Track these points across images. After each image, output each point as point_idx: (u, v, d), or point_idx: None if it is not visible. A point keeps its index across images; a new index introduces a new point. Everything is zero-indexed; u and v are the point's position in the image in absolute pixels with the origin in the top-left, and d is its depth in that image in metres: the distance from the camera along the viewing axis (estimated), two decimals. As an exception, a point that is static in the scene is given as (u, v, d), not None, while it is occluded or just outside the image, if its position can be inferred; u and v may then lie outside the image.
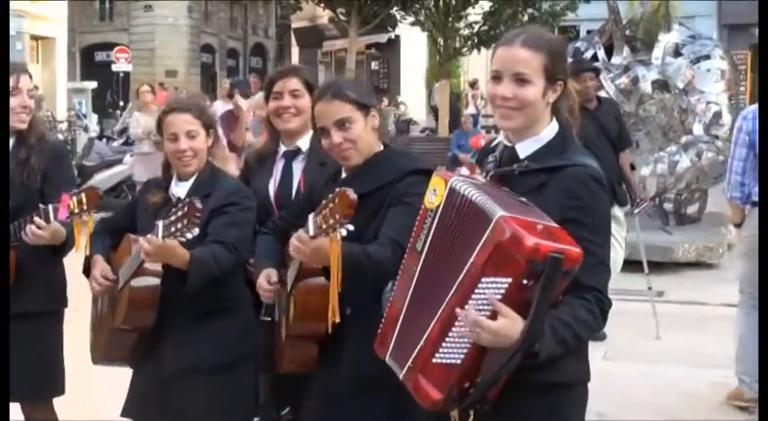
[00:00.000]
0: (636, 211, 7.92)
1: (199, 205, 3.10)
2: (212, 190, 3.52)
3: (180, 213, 3.11)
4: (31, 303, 3.73)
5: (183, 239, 3.14)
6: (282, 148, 3.88)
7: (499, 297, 2.31)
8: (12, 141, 3.77)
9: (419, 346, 2.49)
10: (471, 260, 2.36)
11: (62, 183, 3.70)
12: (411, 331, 2.56)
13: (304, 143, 3.81)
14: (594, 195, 2.52)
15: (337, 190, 2.71)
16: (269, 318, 3.34)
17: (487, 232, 2.33)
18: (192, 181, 3.58)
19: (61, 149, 3.96)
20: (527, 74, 2.55)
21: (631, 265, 9.57)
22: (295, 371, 3.27)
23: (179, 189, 3.59)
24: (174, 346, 3.48)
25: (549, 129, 2.63)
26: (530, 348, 2.31)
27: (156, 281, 3.38)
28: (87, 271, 3.63)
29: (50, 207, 3.45)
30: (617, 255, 7.17)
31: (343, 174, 3.24)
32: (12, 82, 3.70)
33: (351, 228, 2.72)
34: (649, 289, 7.39)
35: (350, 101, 3.16)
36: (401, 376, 2.56)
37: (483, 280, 2.34)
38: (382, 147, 3.25)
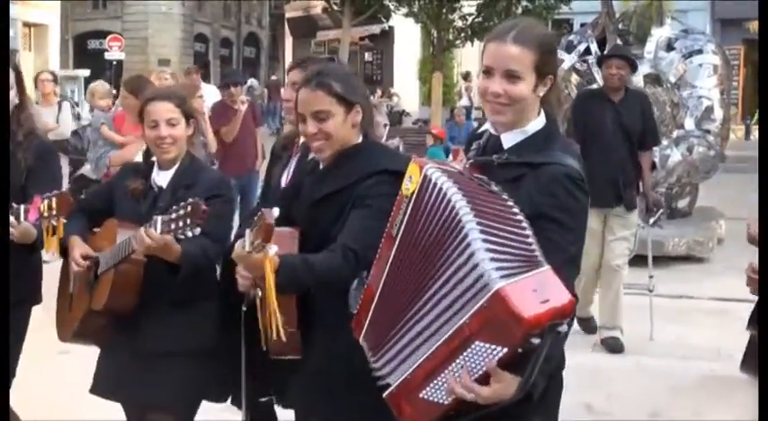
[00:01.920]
0: (651, 222, 7.38)
1: (204, 207, 3.12)
2: (194, 180, 3.56)
3: (182, 212, 3.14)
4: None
5: (182, 237, 3.17)
6: (302, 140, 3.85)
7: (494, 361, 2.30)
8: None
9: (404, 377, 2.51)
10: (465, 320, 2.34)
11: (44, 182, 3.65)
12: (382, 319, 2.60)
13: None
14: (570, 195, 2.54)
15: (260, 212, 2.70)
16: (245, 309, 3.36)
17: (483, 301, 2.30)
18: (173, 170, 3.61)
19: (48, 148, 3.89)
20: (518, 71, 2.57)
21: (622, 259, 9.62)
22: (285, 355, 3.28)
23: (160, 178, 3.62)
24: (153, 330, 3.53)
25: (536, 123, 2.66)
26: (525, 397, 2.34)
27: (139, 268, 3.44)
28: (64, 252, 3.64)
29: (22, 207, 3.44)
30: (622, 255, 7.01)
31: (321, 165, 3.23)
32: None
33: (275, 248, 2.71)
34: (650, 277, 7.40)
35: (333, 94, 3.09)
36: (384, 394, 2.59)
37: (477, 342, 2.33)
38: (360, 139, 3.20)
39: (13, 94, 3.76)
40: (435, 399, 2.44)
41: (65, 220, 3.39)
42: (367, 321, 2.69)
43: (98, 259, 3.54)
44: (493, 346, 2.30)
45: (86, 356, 3.88)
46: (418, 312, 2.49)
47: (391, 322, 2.57)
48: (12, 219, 3.46)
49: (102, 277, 3.50)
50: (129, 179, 3.68)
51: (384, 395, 2.59)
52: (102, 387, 3.70)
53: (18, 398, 3.94)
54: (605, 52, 6.80)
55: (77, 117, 19.15)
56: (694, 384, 5.91)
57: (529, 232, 2.40)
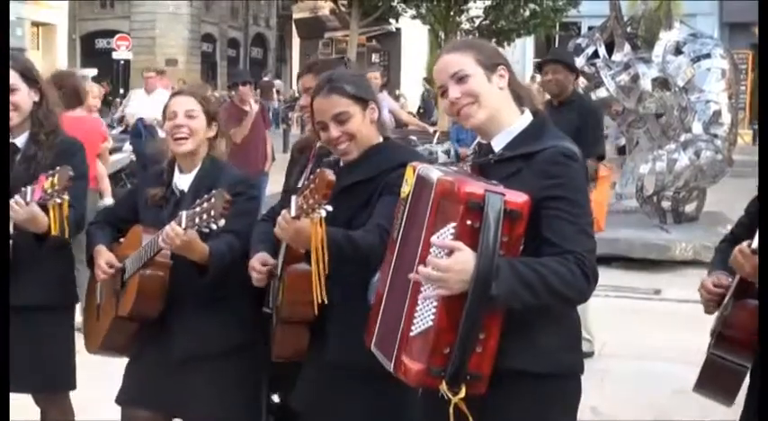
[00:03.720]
0: None
1: (228, 197, 3.11)
2: (216, 181, 3.51)
3: (206, 204, 3.12)
4: (31, 296, 3.68)
5: (207, 230, 3.15)
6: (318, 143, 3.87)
7: (450, 241, 2.40)
8: (24, 137, 3.73)
9: (400, 330, 2.54)
10: (424, 227, 2.47)
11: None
12: (390, 319, 2.62)
13: None
14: (567, 168, 2.57)
15: (317, 171, 2.76)
16: (270, 310, 3.35)
17: (432, 194, 2.46)
18: (194, 173, 3.59)
19: (71, 145, 3.84)
20: (462, 70, 2.67)
21: (628, 263, 9.61)
22: (286, 357, 3.29)
23: (182, 181, 3.60)
24: (182, 334, 3.49)
25: (521, 121, 2.71)
26: (486, 285, 2.35)
27: (165, 271, 3.41)
28: (90, 261, 3.65)
29: (29, 188, 3.42)
30: None
31: (342, 163, 3.26)
32: None
33: (329, 208, 2.77)
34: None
35: (347, 95, 3.17)
36: (390, 367, 2.59)
37: (433, 237, 2.43)
38: (381, 140, 3.26)
39: (23, 94, 3.71)
40: (423, 327, 2.46)
41: (66, 197, 3.36)
42: (377, 328, 2.71)
43: (124, 266, 3.52)
44: (446, 227, 2.41)
45: (90, 362, 3.88)
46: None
47: (395, 319, 2.58)
48: (19, 199, 3.42)
49: (128, 282, 3.47)
50: (151, 185, 3.66)
51: (391, 368, 2.59)
52: (132, 396, 3.64)
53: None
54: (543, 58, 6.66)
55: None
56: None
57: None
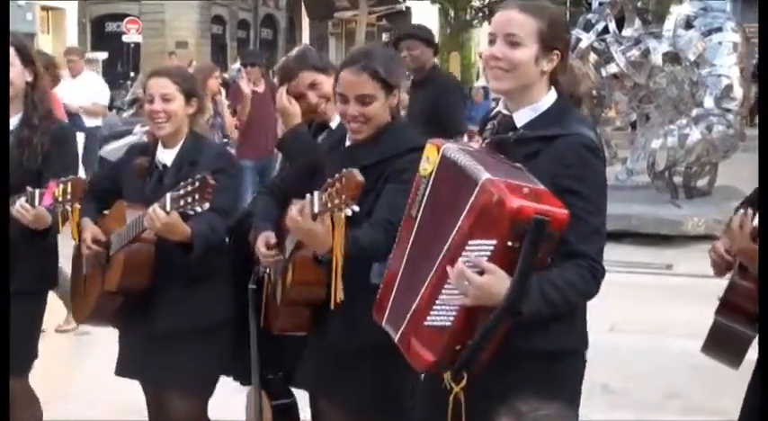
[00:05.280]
0: None
1: (212, 181, 3.15)
2: (198, 157, 3.59)
3: (190, 188, 3.16)
4: (17, 282, 3.66)
5: (191, 213, 3.20)
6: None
7: (485, 258, 2.35)
8: (17, 120, 3.72)
9: (412, 310, 2.53)
10: (459, 224, 2.41)
11: (60, 167, 3.63)
12: (406, 297, 2.60)
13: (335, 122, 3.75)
14: (587, 163, 2.54)
15: (345, 171, 2.71)
16: (255, 286, 3.40)
17: (473, 195, 2.38)
18: (177, 148, 3.64)
19: (65, 133, 3.87)
20: (518, 36, 2.57)
21: (639, 238, 9.59)
22: (289, 331, 3.32)
23: (165, 155, 3.65)
24: (165, 309, 3.55)
25: (546, 99, 2.65)
26: (515, 307, 2.34)
27: (150, 247, 3.46)
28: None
29: (37, 192, 3.42)
30: None
31: (348, 142, 3.26)
32: None
33: (356, 209, 2.73)
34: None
35: (378, 78, 3.13)
36: (396, 339, 2.61)
37: (470, 242, 2.38)
38: (390, 119, 3.25)
39: (17, 72, 3.70)
40: (439, 323, 2.45)
41: (78, 205, 3.40)
42: (389, 305, 2.70)
43: (109, 241, 3.56)
44: (484, 241, 2.35)
45: (107, 337, 3.91)
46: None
47: (410, 296, 2.57)
48: (25, 203, 3.43)
49: (114, 257, 3.52)
50: (135, 158, 3.70)
51: (396, 339, 2.60)
52: (123, 367, 3.74)
53: (39, 378, 3.99)
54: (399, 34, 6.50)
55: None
56: (712, 364, 5.88)
57: (542, 186, 2.42)
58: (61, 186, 3.37)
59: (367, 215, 3.02)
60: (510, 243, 2.32)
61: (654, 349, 6.28)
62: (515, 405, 2.28)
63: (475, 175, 2.40)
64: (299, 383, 3.47)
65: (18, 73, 3.72)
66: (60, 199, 3.37)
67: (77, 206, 3.40)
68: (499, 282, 2.35)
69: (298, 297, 3.19)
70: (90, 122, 11.24)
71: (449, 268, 2.40)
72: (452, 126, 6.56)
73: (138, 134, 13.58)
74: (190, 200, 3.16)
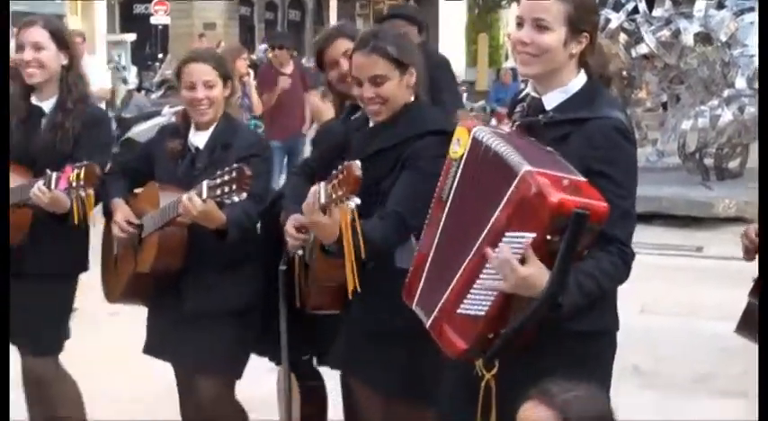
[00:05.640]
0: None
1: (249, 172, 3.13)
2: (231, 141, 3.58)
3: (227, 177, 3.15)
4: (49, 265, 3.74)
5: (228, 202, 3.18)
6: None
7: (523, 251, 2.33)
8: (51, 103, 3.76)
9: (444, 296, 2.53)
10: (496, 214, 2.39)
11: (93, 150, 3.64)
12: (437, 281, 2.60)
13: None
14: (618, 146, 2.52)
15: (346, 163, 2.71)
16: (285, 267, 3.39)
17: (512, 186, 2.35)
18: (210, 131, 3.63)
19: (97, 115, 3.90)
20: (546, 20, 2.54)
21: (670, 220, 9.54)
22: (322, 310, 3.35)
23: (197, 138, 3.64)
24: (195, 290, 3.56)
25: (576, 82, 2.62)
26: (554, 300, 2.33)
27: (183, 230, 3.46)
28: (107, 213, 3.70)
29: (54, 175, 3.42)
30: None
31: (371, 123, 3.26)
32: (17, 35, 3.72)
33: (358, 201, 2.73)
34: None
35: (388, 58, 3.13)
36: (427, 324, 2.61)
37: (507, 234, 2.36)
38: (413, 99, 3.23)
39: (51, 55, 3.73)
40: (473, 312, 2.45)
41: (92, 192, 3.38)
42: (419, 287, 2.69)
43: (142, 223, 3.57)
44: (522, 234, 2.32)
45: (136, 317, 3.93)
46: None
47: (442, 280, 2.56)
48: (43, 186, 3.44)
49: (148, 239, 3.53)
50: (167, 140, 3.69)
51: (427, 325, 2.60)
52: (152, 347, 3.77)
53: (70, 359, 4.03)
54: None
55: (124, 81, 19.38)
56: (743, 346, 5.85)
57: (577, 172, 2.40)
58: (75, 171, 3.36)
59: (384, 200, 3.05)
60: (549, 237, 2.30)
61: (685, 330, 6.25)
62: (546, 386, 2.28)
63: (514, 165, 2.38)
64: (330, 362, 3.48)
65: (52, 56, 3.74)
66: (74, 184, 3.36)
67: (91, 192, 3.38)
68: (540, 275, 2.33)
69: (325, 277, 3.21)
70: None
71: (489, 251, 2.38)
72: (456, 102, 6.43)
73: (167, 115, 13.67)
74: (227, 190, 3.14)
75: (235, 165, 3.16)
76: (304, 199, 3.31)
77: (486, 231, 2.41)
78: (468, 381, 2.59)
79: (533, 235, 2.32)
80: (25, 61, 3.71)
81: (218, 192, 3.16)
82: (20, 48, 3.73)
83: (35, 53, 3.71)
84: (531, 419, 2.28)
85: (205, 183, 3.21)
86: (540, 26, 2.55)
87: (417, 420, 3.22)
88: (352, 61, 3.21)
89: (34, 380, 3.96)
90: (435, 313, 2.57)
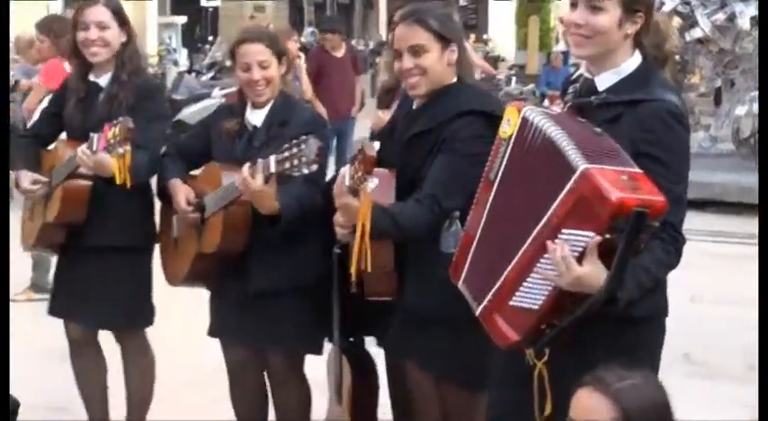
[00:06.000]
0: None
1: (319, 143, 3.11)
2: (289, 118, 3.58)
3: (296, 149, 3.12)
4: (122, 238, 3.82)
5: (297, 175, 3.16)
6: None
7: (580, 249, 2.30)
8: (107, 77, 3.83)
9: (496, 287, 2.51)
10: (553, 209, 2.36)
11: (144, 120, 3.65)
12: (485, 264, 2.60)
13: None
14: (671, 130, 2.49)
15: (362, 144, 2.75)
16: (339, 251, 3.36)
17: (570, 183, 2.32)
18: (267, 109, 3.62)
19: (149, 85, 3.94)
20: (600, 1, 2.51)
21: (722, 207, 9.42)
22: (378, 295, 3.31)
23: (254, 117, 3.63)
24: (258, 270, 3.56)
25: (630, 63, 2.59)
26: (611, 299, 2.31)
27: (247, 208, 3.45)
28: (163, 195, 3.73)
29: (95, 136, 3.48)
30: None
31: (414, 105, 3.25)
32: (80, 16, 3.79)
33: (376, 181, 2.75)
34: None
35: (430, 30, 3.12)
36: (477, 312, 2.60)
37: (564, 230, 2.33)
38: (455, 81, 3.21)
39: (114, 34, 3.80)
40: (526, 305, 2.43)
41: (129, 148, 3.39)
42: (466, 266, 2.69)
43: (203, 202, 3.57)
44: (580, 232, 2.29)
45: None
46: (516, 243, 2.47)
47: (492, 264, 2.55)
48: (86, 149, 3.50)
49: (211, 220, 3.53)
50: (224, 119, 3.70)
51: (477, 313, 2.59)
52: (218, 329, 3.76)
53: (156, 340, 4.11)
54: None
55: (175, 63, 19.51)
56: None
57: (629, 158, 2.38)
58: (113, 129, 3.40)
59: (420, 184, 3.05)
60: (608, 235, 2.28)
61: (737, 319, 6.16)
62: (600, 374, 2.25)
63: (571, 160, 2.33)
64: (385, 347, 3.47)
65: (115, 35, 3.82)
66: (112, 141, 3.39)
67: (128, 148, 3.39)
68: (598, 274, 2.31)
69: (375, 267, 3.18)
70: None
71: (549, 244, 2.35)
72: None
73: (217, 97, 13.74)
74: (296, 162, 3.11)
75: (303, 137, 3.13)
76: None
77: (540, 225, 2.39)
78: (518, 368, 2.58)
79: (592, 234, 2.29)
80: (90, 40, 3.77)
81: (287, 164, 3.14)
82: (83, 27, 3.79)
83: (100, 32, 3.78)
84: (584, 406, 2.26)
85: (273, 157, 3.19)
86: (594, 7, 2.51)
87: (467, 404, 3.21)
88: (394, 34, 3.20)
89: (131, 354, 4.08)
90: (486, 302, 2.56)
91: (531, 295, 2.42)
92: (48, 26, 6.51)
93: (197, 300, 3.82)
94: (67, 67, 6.43)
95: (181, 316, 4.05)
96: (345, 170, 2.81)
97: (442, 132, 3.08)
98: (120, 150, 3.38)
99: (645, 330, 2.60)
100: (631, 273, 2.34)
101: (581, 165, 2.30)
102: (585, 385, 2.26)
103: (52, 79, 6.48)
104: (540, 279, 2.40)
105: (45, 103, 6.03)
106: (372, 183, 2.75)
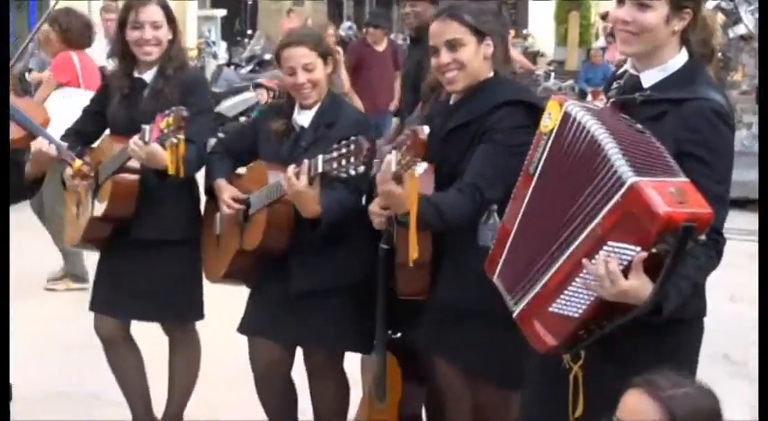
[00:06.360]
0: None
1: (368, 144, 3.09)
2: (336, 119, 3.57)
3: (345, 150, 3.11)
4: (155, 231, 3.83)
5: (344, 175, 3.15)
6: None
7: (626, 262, 2.28)
8: (152, 73, 3.86)
9: (535, 291, 2.50)
10: (597, 221, 2.33)
11: (193, 112, 3.62)
12: (522, 261, 2.58)
13: None
14: (715, 130, 2.46)
15: (412, 128, 2.72)
16: (387, 247, 3.35)
17: (617, 196, 2.29)
18: (314, 110, 3.62)
19: (195, 79, 3.97)
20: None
21: (763, 206, 9.29)
22: (411, 294, 3.31)
23: (302, 117, 3.63)
24: (299, 269, 3.55)
25: (677, 60, 2.56)
26: (655, 311, 2.30)
27: (290, 207, 3.44)
28: (208, 190, 3.75)
29: (147, 128, 3.49)
30: None
31: (452, 100, 3.24)
32: (132, 16, 3.80)
33: (425, 165, 2.74)
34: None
35: (465, 24, 3.13)
36: (514, 313, 2.58)
37: (610, 242, 2.31)
38: (492, 75, 3.21)
39: (165, 31, 3.83)
40: (566, 312, 2.42)
41: (182, 137, 3.40)
42: (502, 260, 2.69)
43: (248, 200, 3.58)
44: (626, 245, 2.27)
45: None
46: (556, 245, 2.45)
47: (528, 260, 2.54)
48: (138, 140, 3.51)
49: (255, 217, 3.53)
50: (272, 119, 3.70)
51: (514, 315, 2.58)
52: (253, 327, 3.73)
53: (205, 337, 4.16)
54: None
55: (214, 56, 19.60)
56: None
57: (673, 163, 2.34)
58: (165, 119, 3.41)
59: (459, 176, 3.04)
60: (655, 250, 2.25)
61: (775, 319, 6.10)
62: (653, 377, 2.22)
63: (619, 171, 2.30)
64: (418, 343, 3.46)
65: (165, 33, 3.85)
66: (165, 131, 3.40)
67: (182, 137, 3.40)
68: (643, 288, 2.29)
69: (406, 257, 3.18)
70: None
71: (586, 262, 2.33)
72: None
73: (254, 93, 13.80)
74: (344, 162, 3.10)
75: (353, 138, 3.12)
76: None
77: (584, 236, 2.37)
78: (553, 370, 2.57)
79: (638, 248, 2.26)
80: (145, 39, 3.80)
81: (335, 164, 3.13)
82: (136, 26, 3.80)
83: (154, 32, 3.81)
84: (633, 409, 2.22)
85: (320, 157, 3.19)
86: (642, 4, 2.49)
87: (502, 402, 3.20)
88: (430, 32, 3.21)
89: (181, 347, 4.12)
90: (524, 305, 2.55)
91: (573, 303, 2.40)
92: (54, 18, 6.54)
93: (239, 298, 3.82)
94: (77, 60, 6.50)
95: (219, 312, 4.05)
96: (391, 157, 2.79)
97: (481, 125, 3.08)
98: (174, 140, 3.39)
99: (684, 332, 2.58)
100: (674, 282, 2.32)
101: (629, 178, 2.27)
102: (636, 386, 2.23)
103: (62, 73, 6.52)
104: (582, 288, 2.38)
105: (55, 99, 6.07)
106: (421, 167, 2.73)
